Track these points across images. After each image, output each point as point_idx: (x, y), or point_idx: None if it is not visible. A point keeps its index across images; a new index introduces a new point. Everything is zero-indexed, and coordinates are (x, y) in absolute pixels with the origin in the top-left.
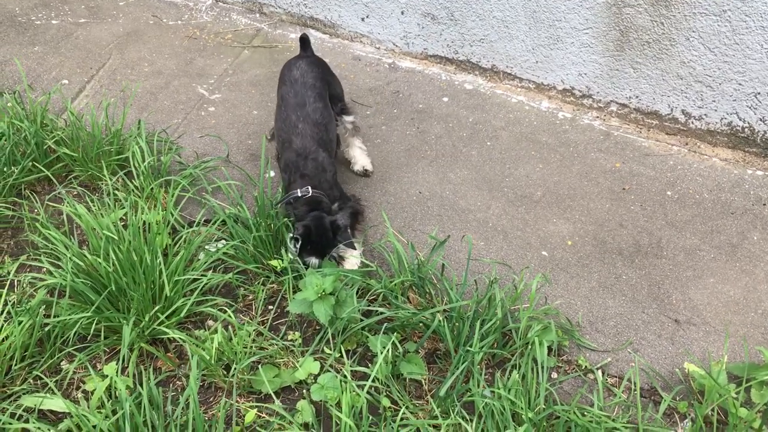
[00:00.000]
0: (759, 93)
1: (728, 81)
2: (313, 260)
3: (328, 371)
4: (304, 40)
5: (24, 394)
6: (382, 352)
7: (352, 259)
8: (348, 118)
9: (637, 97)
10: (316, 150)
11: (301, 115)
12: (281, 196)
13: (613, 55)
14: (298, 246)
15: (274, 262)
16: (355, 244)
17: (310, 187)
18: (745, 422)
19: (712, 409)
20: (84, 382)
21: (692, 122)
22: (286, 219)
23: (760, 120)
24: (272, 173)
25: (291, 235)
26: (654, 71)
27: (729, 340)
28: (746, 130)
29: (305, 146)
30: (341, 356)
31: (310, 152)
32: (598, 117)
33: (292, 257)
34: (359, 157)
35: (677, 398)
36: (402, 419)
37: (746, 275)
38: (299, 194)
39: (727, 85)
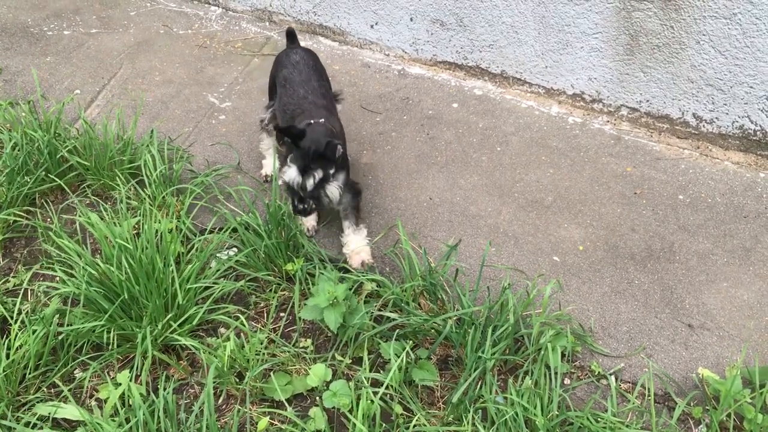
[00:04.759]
0: None
1: (739, 84)
2: (292, 171)
3: (340, 378)
4: (291, 33)
5: (38, 402)
6: (395, 360)
7: (363, 249)
8: (339, 106)
9: (647, 101)
10: (327, 114)
11: (308, 88)
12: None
13: (623, 59)
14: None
15: (289, 266)
16: (361, 229)
17: (323, 120)
18: (761, 428)
19: (728, 415)
20: (97, 390)
21: (703, 126)
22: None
23: None
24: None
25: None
26: (664, 75)
27: (744, 345)
28: (758, 133)
29: (315, 113)
30: (353, 363)
31: (322, 116)
32: (608, 121)
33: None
34: None
35: (692, 404)
36: (415, 426)
37: (760, 279)
38: (311, 122)
39: (738, 88)
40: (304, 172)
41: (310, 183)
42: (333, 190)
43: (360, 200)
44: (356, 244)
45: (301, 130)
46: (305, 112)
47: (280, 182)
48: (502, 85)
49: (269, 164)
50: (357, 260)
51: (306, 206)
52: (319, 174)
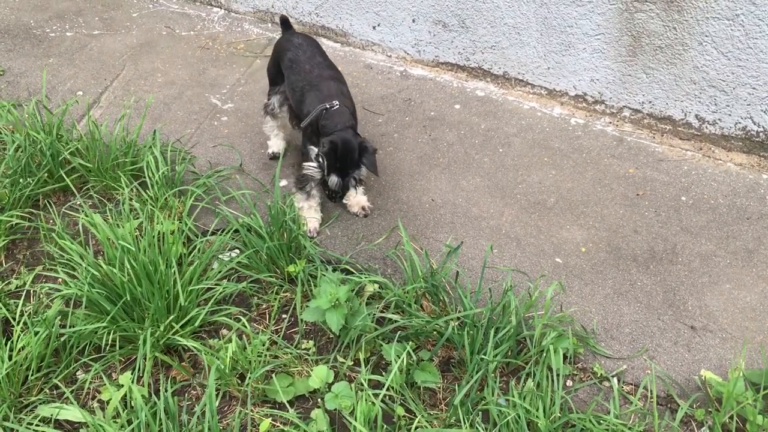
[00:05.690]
0: None
1: (742, 85)
2: (334, 178)
3: (342, 380)
4: (285, 21)
5: (40, 404)
6: (396, 361)
7: (360, 197)
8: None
9: (650, 102)
10: (336, 83)
11: (314, 63)
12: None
13: (626, 60)
14: (324, 164)
15: (291, 268)
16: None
17: (337, 102)
18: (763, 430)
19: (730, 417)
20: (99, 392)
21: (706, 127)
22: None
23: None
24: (284, 182)
25: (316, 151)
26: (667, 76)
27: (746, 347)
28: (761, 134)
29: (324, 83)
30: (355, 365)
31: (331, 86)
32: (611, 123)
33: (313, 174)
34: None
35: (694, 406)
36: (417, 428)
37: (763, 281)
38: (327, 107)
39: (741, 89)
40: (344, 177)
41: (352, 183)
42: (362, 172)
43: None
44: (355, 197)
45: (332, 143)
46: (314, 86)
47: (304, 169)
48: (504, 87)
49: (274, 144)
50: (357, 207)
51: (343, 193)
52: (357, 175)
